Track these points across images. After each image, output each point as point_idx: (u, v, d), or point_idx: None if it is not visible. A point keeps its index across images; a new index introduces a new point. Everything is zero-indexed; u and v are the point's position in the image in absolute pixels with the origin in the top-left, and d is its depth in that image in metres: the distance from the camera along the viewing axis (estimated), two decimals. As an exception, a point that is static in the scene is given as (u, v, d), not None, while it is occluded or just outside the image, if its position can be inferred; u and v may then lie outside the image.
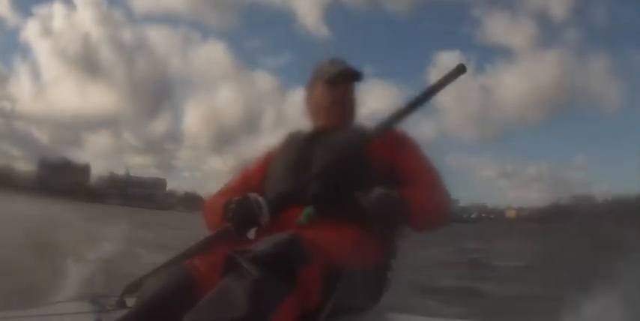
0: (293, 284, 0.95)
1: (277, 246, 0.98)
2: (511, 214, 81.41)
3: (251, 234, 1.30)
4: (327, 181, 1.32)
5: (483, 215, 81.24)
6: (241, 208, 1.26)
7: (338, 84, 1.49)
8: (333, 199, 1.29)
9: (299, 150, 1.44)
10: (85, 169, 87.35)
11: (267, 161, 1.52)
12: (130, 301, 1.23)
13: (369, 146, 1.37)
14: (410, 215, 1.24)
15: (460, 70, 1.36)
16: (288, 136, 1.55)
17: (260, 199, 1.26)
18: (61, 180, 76.91)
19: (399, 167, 1.38)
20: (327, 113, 1.51)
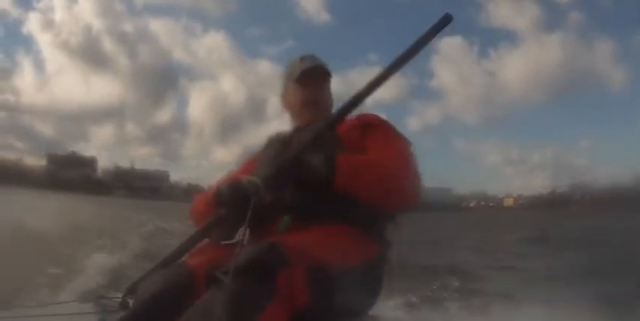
0: (275, 288, 0.95)
1: (254, 253, 0.99)
2: (509, 202, 79.12)
3: (240, 233, 1.18)
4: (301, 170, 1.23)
5: (482, 203, 79.40)
6: (233, 188, 1.21)
7: (307, 83, 1.45)
8: (312, 202, 1.24)
9: (276, 151, 1.42)
10: (91, 162, 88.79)
11: (251, 165, 1.49)
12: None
13: (341, 122, 1.36)
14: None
15: (446, 19, 1.33)
16: (267, 139, 1.54)
17: (252, 178, 1.21)
18: (69, 174, 78.05)
19: (367, 147, 1.35)
20: (300, 113, 1.49)
